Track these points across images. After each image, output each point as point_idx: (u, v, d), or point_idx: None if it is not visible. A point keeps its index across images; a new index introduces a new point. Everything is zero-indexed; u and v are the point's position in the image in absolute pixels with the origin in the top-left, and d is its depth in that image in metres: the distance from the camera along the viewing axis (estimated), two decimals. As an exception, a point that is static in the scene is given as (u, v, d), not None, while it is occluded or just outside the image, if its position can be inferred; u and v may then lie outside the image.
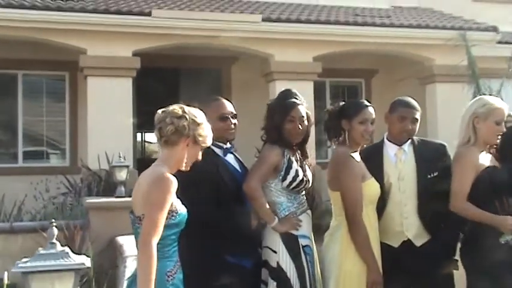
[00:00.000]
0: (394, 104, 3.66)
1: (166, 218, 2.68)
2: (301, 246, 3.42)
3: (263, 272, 3.43)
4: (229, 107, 3.54)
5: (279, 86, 8.45)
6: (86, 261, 3.41)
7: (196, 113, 2.84)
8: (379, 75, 11.44)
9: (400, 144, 3.63)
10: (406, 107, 3.61)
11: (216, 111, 3.46)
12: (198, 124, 2.81)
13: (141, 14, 8.83)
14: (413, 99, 3.70)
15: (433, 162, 3.57)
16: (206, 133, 2.84)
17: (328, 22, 9.61)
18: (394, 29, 9.83)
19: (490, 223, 3.37)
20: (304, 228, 3.47)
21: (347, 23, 9.67)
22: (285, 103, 3.51)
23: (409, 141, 3.64)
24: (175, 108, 2.82)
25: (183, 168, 2.85)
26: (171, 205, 2.71)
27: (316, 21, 9.56)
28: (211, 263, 3.25)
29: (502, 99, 9.20)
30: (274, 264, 3.37)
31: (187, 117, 2.79)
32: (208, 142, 2.88)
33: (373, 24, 9.82)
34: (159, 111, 2.85)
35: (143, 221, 2.67)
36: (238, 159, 3.59)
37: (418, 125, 3.63)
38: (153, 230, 2.60)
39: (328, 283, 3.43)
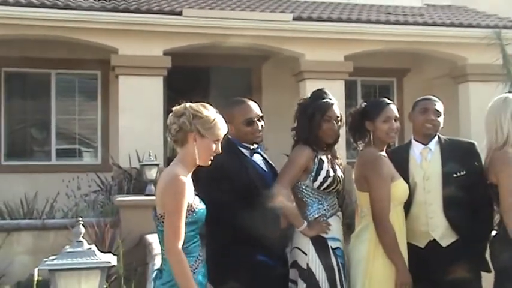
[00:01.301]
0: (415, 101, 3.72)
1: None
2: (330, 249, 3.39)
3: (293, 272, 3.42)
4: (255, 109, 3.49)
5: (310, 85, 8.41)
6: (113, 259, 3.43)
7: (198, 108, 2.86)
8: (411, 74, 11.28)
9: (426, 143, 3.59)
10: (426, 99, 3.66)
11: (243, 115, 3.44)
12: (200, 118, 2.82)
13: (172, 13, 8.88)
14: (436, 96, 3.69)
15: (460, 161, 3.51)
16: (211, 125, 2.84)
17: (359, 21, 9.52)
18: (426, 28, 9.68)
19: None
20: (334, 230, 3.44)
21: (379, 22, 9.57)
22: (321, 103, 3.49)
23: (436, 140, 3.61)
24: (178, 107, 2.87)
25: (202, 163, 2.88)
26: (188, 204, 2.75)
27: (348, 20, 9.48)
28: (240, 262, 3.25)
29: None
30: (304, 266, 3.36)
31: (187, 113, 2.82)
32: (220, 133, 2.87)
33: (406, 23, 9.69)
34: (170, 114, 2.91)
35: (165, 229, 2.73)
36: (265, 159, 3.58)
37: (442, 119, 3.60)
38: (175, 236, 2.68)
39: (355, 285, 3.39)
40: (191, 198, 2.80)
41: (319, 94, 3.55)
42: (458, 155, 3.54)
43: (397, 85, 11.54)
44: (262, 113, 3.56)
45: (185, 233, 2.75)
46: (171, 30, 8.87)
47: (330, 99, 3.52)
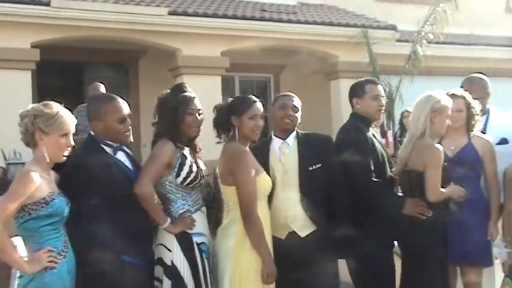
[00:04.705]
0: (275, 98, 3.89)
1: (35, 209, 2.84)
2: (195, 245, 3.38)
3: (158, 269, 3.38)
4: (126, 107, 3.40)
5: (187, 81, 8.31)
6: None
7: (39, 107, 2.95)
8: (287, 71, 11.58)
9: (284, 138, 3.70)
10: (284, 96, 3.84)
11: (116, 112, 3.32)
12: (41, 116, 2.92)
13: (39, 3, 8.41)
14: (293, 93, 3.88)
15: (316, 155, 3.68)
16: (53, 120, 2.92)
17: (235, 17, 9.62)
18: (299, 25, 10.00)
19: (450, 195, 3.77)
20: (200, 225, 3.44)
21: (254, 18, 9.72)
22: (183, 96, 3.47)
23: (294, 135, 3.75)
24: (22, 110, 2.97)
25: (56, 160, 2.97)
26: (39, 196, 2.84)
27: (223, 16, 9.55)
28: (107, 263, 3.15)
29: (401, 94, 9.60)
30: (168, 263, 3.33)
31: (29, 114, 2.92)
32: (65, 127, 2.95)
33: (280, 20, 9.93)
34: None
35: None
36: (130, 156, 3.49)
37: (299, 114, 3.76)
38: None
39: (222, 278, 3.41)
40: (44, 193, 2.87)
41: (179, 88, 3.54)
42: (314, 149, 3.71)
43: (274, 81, 11.80)
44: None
45: (40, 227, 2.86)
46: (38, 22, 8.40)
47: (191, 92, 3.51)
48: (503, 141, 4.32)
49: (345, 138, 3.93)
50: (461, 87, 4.39)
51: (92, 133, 3.37)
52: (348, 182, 3.71)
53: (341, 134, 4.01)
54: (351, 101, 4.09)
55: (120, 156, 3.40)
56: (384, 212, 3.74)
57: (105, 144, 3.33)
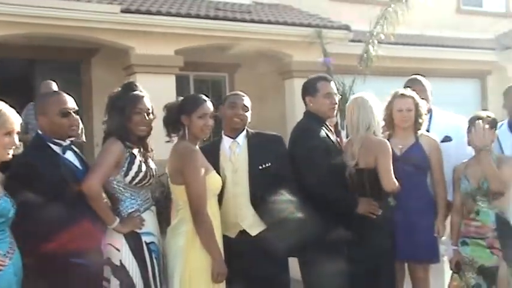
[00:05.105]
0: (225, 97, 3.90)
1: None
2: (144, 244, 3.37)
3: (106, 269, 3.34)
4: (71, 102, 3.35)
5: (140, 79, 8.26)
6: None
7: None
8: (242, 70, 11.56)
9: (235, 137, 3.71)
10: (235, 95, 3.87)
11: (57, 105, 3.27)
12: None
13: (-16, -1, 8.14)
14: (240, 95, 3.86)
15: (266, 153, 3.69)
16: None
17: (189, 15, 9.52)
18: (253, 25, 9.97)
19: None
20: (149, 225, 3.42)
21: (208, 17, 9.65)
22: (131, 95, 3.45)
23: (244, 134, 3.76)
24: None
25: (1, 159, 2.92)
26: None
27: (177, 14, 9.44)
28: (54, 264, 3.10)
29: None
30: (117, 263, 3.30)
31: None
32: (7, 125, 2.89)
33: (234, 19, 9.89)
34: None
35: None
36: (79, 155, 3.45)
37: (249, 113, 3.78)
38: None
39: (172, 277, 3.41)
40: None
41: (129, 86, 3.52)
42: (264, 148, 3.73)
43: (228, 80, 11.77)
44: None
45: None
46: (-14, 18, 8.15)
47: (141, 91, 3.49)
48: (447, 139, 4.44)
49: (296, 138, 3.96)
50: (407, 87, 4.48)
51: (40, 132, 3.32)
52: (299, 181, 3.73)
53: (294, 133, 4.03)
54: (304, 99, 4.11)
55: (69, 155, 3.35)
56: (336, 212, 3.77)
57: (53, 143, 3.28)
